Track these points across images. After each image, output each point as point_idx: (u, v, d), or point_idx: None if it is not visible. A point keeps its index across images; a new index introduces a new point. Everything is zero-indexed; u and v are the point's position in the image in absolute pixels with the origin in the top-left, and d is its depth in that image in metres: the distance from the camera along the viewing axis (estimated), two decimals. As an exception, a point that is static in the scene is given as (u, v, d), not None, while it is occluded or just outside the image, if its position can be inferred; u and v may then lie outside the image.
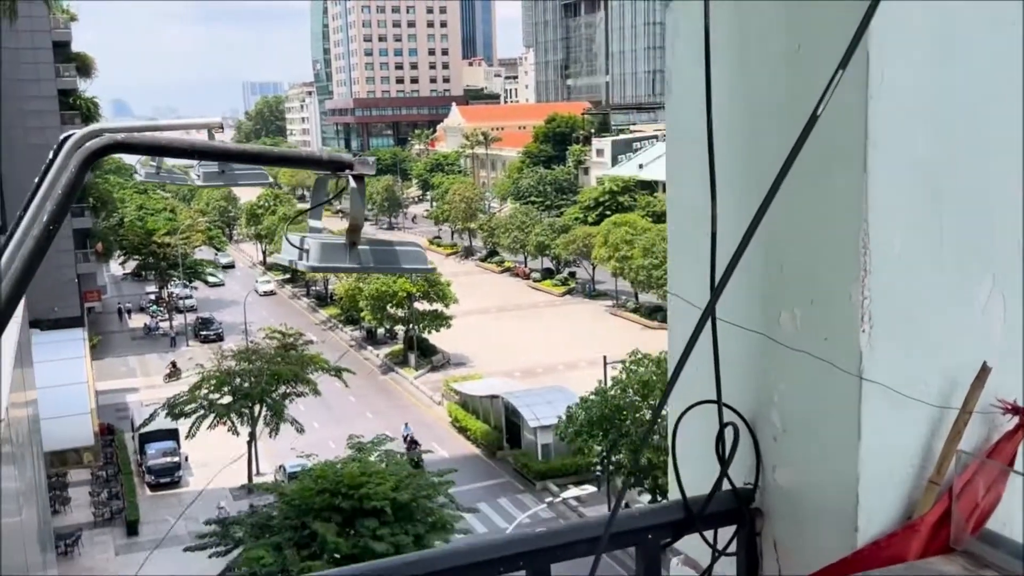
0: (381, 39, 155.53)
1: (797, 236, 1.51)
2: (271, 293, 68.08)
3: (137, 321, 60.41)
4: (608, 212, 65.80)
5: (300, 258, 1.99)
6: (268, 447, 34.46)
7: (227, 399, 32.28)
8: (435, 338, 49.19)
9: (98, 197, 51.39)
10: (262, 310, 60.54)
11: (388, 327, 51.51)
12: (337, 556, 18.52)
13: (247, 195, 79.16)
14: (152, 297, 63.92)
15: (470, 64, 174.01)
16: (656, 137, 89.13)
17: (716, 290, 1.40)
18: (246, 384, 32.43)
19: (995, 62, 1.43)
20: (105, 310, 60.97)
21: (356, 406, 40.90)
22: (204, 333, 55.11)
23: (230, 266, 79.45)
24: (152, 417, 32.76)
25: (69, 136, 3.96)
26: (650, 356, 28.94)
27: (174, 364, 46.68)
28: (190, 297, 61.79)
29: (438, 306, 47.64)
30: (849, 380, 1.41)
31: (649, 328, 53.62)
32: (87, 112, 46.96)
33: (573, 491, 27.92)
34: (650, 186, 74.90)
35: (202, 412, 31.94)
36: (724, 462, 1.56)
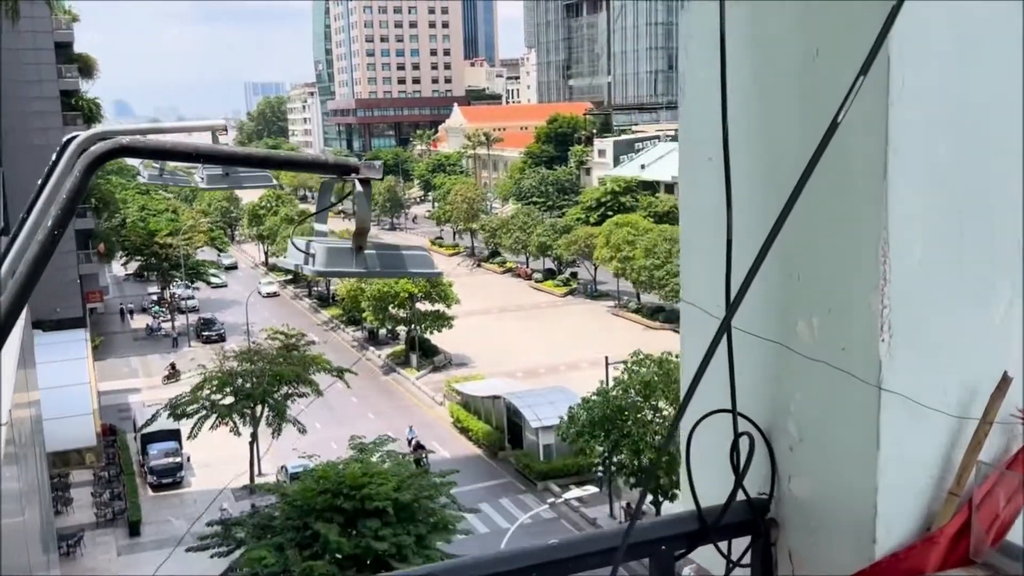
0: (383, 39, 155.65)
1: (814, 244, 1.49)
2: (274, 295, 68.02)
3: (139, 322, 60.47)
4: (610, 212, 65.81)
5: (306, 262, 1.98)
6: (270, 447, 34.46)
7: (229, 400, 32.29)
8: (437, 338, 49.21)
9: (100, 198, 51.47)
10: (264, 311, 60.58)
11: (390, 328, 51.53)
12: (339, 557, 18.53)
13: (249, 196, 79.18)
14: (154, 298, 63.99)
15: (472, 64, 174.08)
16: (658, 137, 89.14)
17: (735, 301, 1.38)
18: (248, 385, 32.45)
19: (1018, 66, 1.40)
20: (107, 311, 61.04)
21: (358, 407, 40.91)
22: (206, 334, 55.15)
23: (233, 267, 79.52)
24: (154, 418, 32.78)
25: (72, 138, 3.94)
26: (652, 357, 28.92)
27: (173, 366, 46.69)
28: (192, 298, 61.85)
29: (440, 307, 47.66)
30: (868, 390, 1.40)
31: (651, 328, 53.62)
32: (89, 113, 47.02)
33: (575, 492, 27.91)
34: (652, 186, 74.91)
35: (204, 413, 31.94)
36: (739, 472, 1.53)
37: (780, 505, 1.58)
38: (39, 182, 3.89)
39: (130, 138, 1.76)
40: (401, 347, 50.27)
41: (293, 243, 2.00)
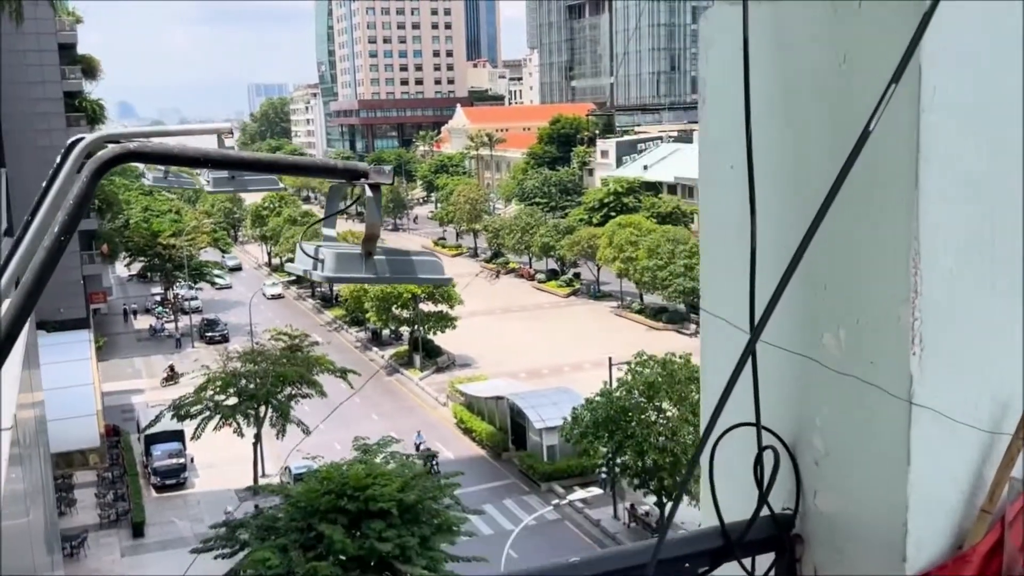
0: (386, 41, 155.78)
1: (842, 254, 1.46)
2: (279, 296, 67.98)
3: (143, 322, 60.57)
4: (613, 213, 65.82)
5: (315, 268, 1.95)
6: (273, 448, 34.48)
7: (233, 400, 32.30)
8: (440, 339, 49.23)
9: (104, 199, 51.52)
10: (268, 311, 60.64)
11: (393, 328, 51.56)
12: (343, 558, 18.51)
13: (252, 196, 79.27)
14: (158, 298, 64.10)
15: (474, 66, 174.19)
16: (661, 138, 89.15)
17: (764, 315, 1.34)
18: (251, 385, 32.46)
19: None
20: (111, 311, 61.14)
21: (361, 408, 40.88)
22: (209, 334, 55.21)
23: (237, 268, 79.62)
24: (158, 419, 32.80)
25: (76, 140, 3.93)
26: (655, 357, 28.89)
27: (172, 368, 46.71)
28: (195, 299, 61.94)
29: (443, 307, 47.67)
30: (898, 404, 1.37)
31: (654, 329, 53.60)
32: (93, 114, 47.10)
33: (579, 493, 27.88)
34: (655, 187, 74.90)
35: (208, 413, 31.95)
36: (764, 487, 1.50)
37: (805, 521, 1.55)
38: (43, 184, 3.87)
39: (138, 143, 1.74)
40: (404, 348, 50.30)
41: (302, 248, 1.98)
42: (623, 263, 55.16)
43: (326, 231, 2.13)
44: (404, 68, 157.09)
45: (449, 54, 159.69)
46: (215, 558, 20.37)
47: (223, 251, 75.22)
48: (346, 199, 2.19)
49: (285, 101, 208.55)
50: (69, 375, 27.79)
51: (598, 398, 28.79)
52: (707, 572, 1.49)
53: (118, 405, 41.59)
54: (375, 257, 1.91)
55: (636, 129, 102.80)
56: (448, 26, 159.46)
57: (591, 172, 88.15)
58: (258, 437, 33.09)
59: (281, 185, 3.55)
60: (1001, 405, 1.41)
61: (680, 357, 28.70)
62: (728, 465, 1.55)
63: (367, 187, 1.86)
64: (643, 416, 27.78)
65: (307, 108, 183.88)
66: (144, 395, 44.57)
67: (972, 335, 1.40)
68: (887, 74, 1.29)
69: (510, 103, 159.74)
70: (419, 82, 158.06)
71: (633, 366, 28.84)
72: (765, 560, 1.55)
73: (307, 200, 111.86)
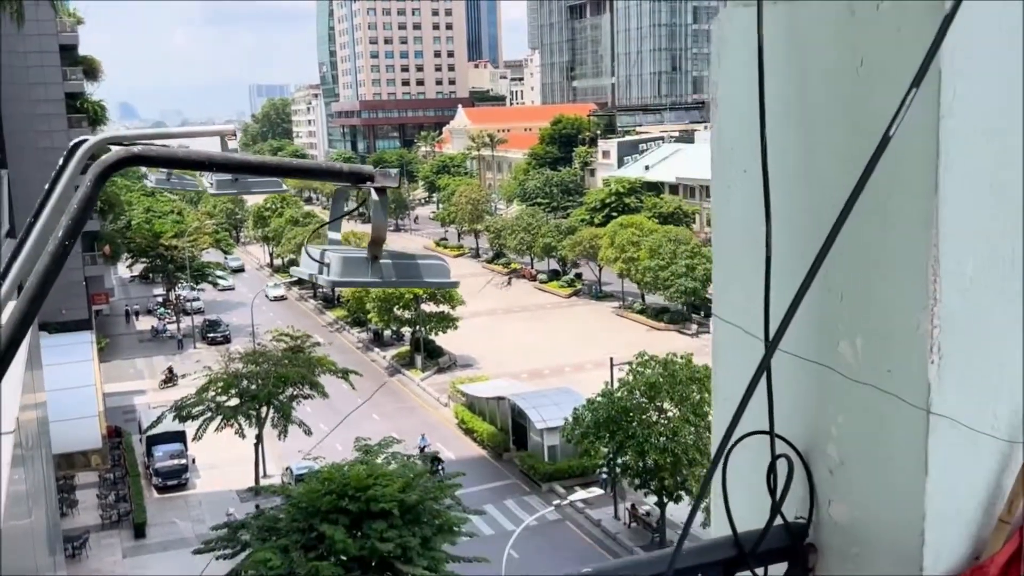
0: (387, 41, 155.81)
1: (859, 261, 1.44)
2: (281, 298, 67.91)
3: (144, 323, 60.61)
4: (614, 213, 65.82)
5: (320, 272, 1.94)
6: (275, 449, 34.49)
7: (234, 401, 32.30)
8: (442, 340, 49.23)
9: (106, 200, 51.48)
10: (269, 312, 60.67)
11: (395, 329, 51.58)
12: (344, 558, 18.51)
13: (254, 197, 79.31)
14: (159, 299, 64.15)
15: (476, 66, 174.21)
16: (662, 139, 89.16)
17: (782, 324, 1.33)
18: (253, 386, 32.45)
19: None
20: (113, 312, 61.18)
21: (363, 408, 40.89)
22: (211, 335, 55.24)
23: (239, 270, 79.66)
24: (159, 419, 32.80)
25: (79, 143, 3.91)
26: (657, 358, 28.87)
27: (170, 370, 46.71)
28: (197, 299, 61.96)
29: (445, 308, 47.67)
30: (916, 414, 1.35)
31: (655, 329, 53.60)
32: (94, 115, 47.10)
33: (580, 494, 27.87)
34: (656, 187, 74.90)
35: (209, 414, 31.95)
36: (777, 496, 1.49)
37: (819, 530, 1.53)
38: (46, 187, 3.85)
39: (142, 147, 1.73)
40: (406, 348, 50.31)
41: (307, 252, 1.97)
42: (625, 263, 55.15)
43: (331, 234, 2.11)
44: (405, 69, 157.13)
45: (450, 55, 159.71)
46: (216, 558, 20.37)
47: (225, 252, 75.26)
48: (348, 201, 2.17)
49: (286, 102, 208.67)
50: (71, 376, 27.81)
51: (599, 398, 28.77)
52: None
53: (120, 406, 41.61)
54: (381, 261, 1.90)
55: (637, 129, 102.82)
56: (449, 27, 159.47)
57: (592, 172, 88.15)
58: (259, 438, 33.09)
59: (284, 187, 3.54)
60: (1020, 414, 1.40)
61: (681, 357, 28.68)
62: (740, 474, 1.54)
63: (373, 190, 1.85)
64: (644, 416, 27.77)
65: (308, 109, 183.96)
66: (146, 396, 44.59)
67: (991, 343, 1.38)
68: (906, 78, 1.27)
69: (511, 103, 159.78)
70: (420, 83, 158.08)
71: (634, 366, 28.82)
72: (778, 570, 1.54)
73: (309, 201, 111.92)
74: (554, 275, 67.97)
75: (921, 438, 1.34)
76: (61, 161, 3.78)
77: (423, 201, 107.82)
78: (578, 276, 66.35)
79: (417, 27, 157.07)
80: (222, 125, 3.44)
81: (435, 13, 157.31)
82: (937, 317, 1.32)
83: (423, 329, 47.75)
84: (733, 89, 1.69)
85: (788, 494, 1.49)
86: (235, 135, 3.43)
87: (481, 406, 39.41)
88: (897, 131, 1.26)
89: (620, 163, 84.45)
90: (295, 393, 33.35)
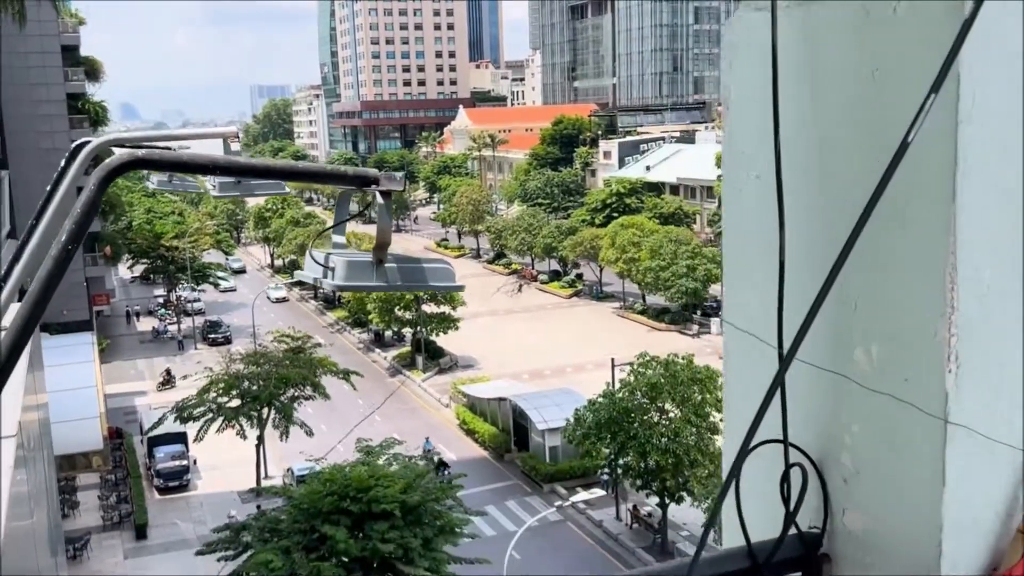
0: (388, 42, 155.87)
1: (875, 268, 1.42)
2: (283, 300, 67.89)
3: (145, 324, 60.63)
4: (615, 214, 65.81)
5: (325, 276, 1.93)
6: (276, 450, 34.48)
7: (235, 402, 32.29)
8: (443, 340, 49.22)
9: (107, 200, 51.47)
10: (270, 313, 60.68)
11: (396, 329, 51.57)
12: (346, 559, 18.49)
13: (255, 198, 79.35)
14: (160, 300, 64.17)
15: (477, 67, 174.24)
16: (663, 139, 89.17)
17: (800, 332, 1.31)
18: (254, 387, 32.44)
19: None
20: (114, 313, 61.21)
21: (364, 409, 40.88)
22: (212, 336, 55.24)
23: (241, 271, 79.68)
24: (161, 421, 32.80)
25: (82, 144, 3.90)
26: (658, 358, 28.84)
27: (168, 372, 46.71)
28: (198, 300, 61.97)
29: (446, 308, 47.67)
30: (932, 423, 1.33)
31: (656, 330, 53.58)
32: (96, 116, 47.14)
33: (582, 495, 27.87)
34: (657, 188, 74.90)
35: (210, 415, 31.94)
36: (792, 506, 1.47)
37: (833, 540, 1.52)
38: (48, 188, 3.84)
39: (146, 151, 1.72)
40: (407, 349, 50.30)
41: (312, 256, 1.96)
42: (625, 264, 55.13)
43: (336, 238, 2.10)
44: (407, 69, 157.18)
45: (452, 55, 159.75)
46: (218, 560, 20.36)
47: (226, 253, 75.29)
48: (346, 202, 2.16)
49: (288, 102, 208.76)
50: (72, 377, 27.81)
51: (600, 399, 28.75)
52: None
53: (121, 407, 41.62)
54: (386, 265, 1.89)
55: (638, 130, 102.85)
56: (451, 27, 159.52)
57: (593, 173, 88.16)
58: (261, 439, 33.08)
59: (287, 189, 3.53)
60: None
61: (682, 358, 28.65)
62: (754, 482, 1.52)
63: (378, 194, 1.84)
64: (645, 417, 27.74)
65: (310, 109, 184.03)
66: (147, 397, 44.59)
67: (1010, 352, 1.36)
68: (923, 82, 1.25)
69: (512, 104, 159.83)
70: (421, 83, 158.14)
71: (635, 367, 28.79)
72: None
73: (309, 202, 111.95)
74: (555, 276, 67.96)
75: (939, 448, 1.32)
76: (63, 163, 3.77)
77: (424, 202, 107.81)
78: (579, 277, 66.33)
79: (418, 27, 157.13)
80: (225, 127, 3.43)
81: (436, 13, 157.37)
82: (955, 325, 1.31)
83: (424, 330, 47.74)
84: (745, 94, 1.68)
85: (802, 504, 1.48)
86: (238, 137, 3.42)
87: (482, 407, 39.40)
88: (915, 138, 1.24)
89: (621, 163, 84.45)
90: (296, 394, 33.35)
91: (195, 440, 32.33)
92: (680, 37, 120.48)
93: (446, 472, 30.57)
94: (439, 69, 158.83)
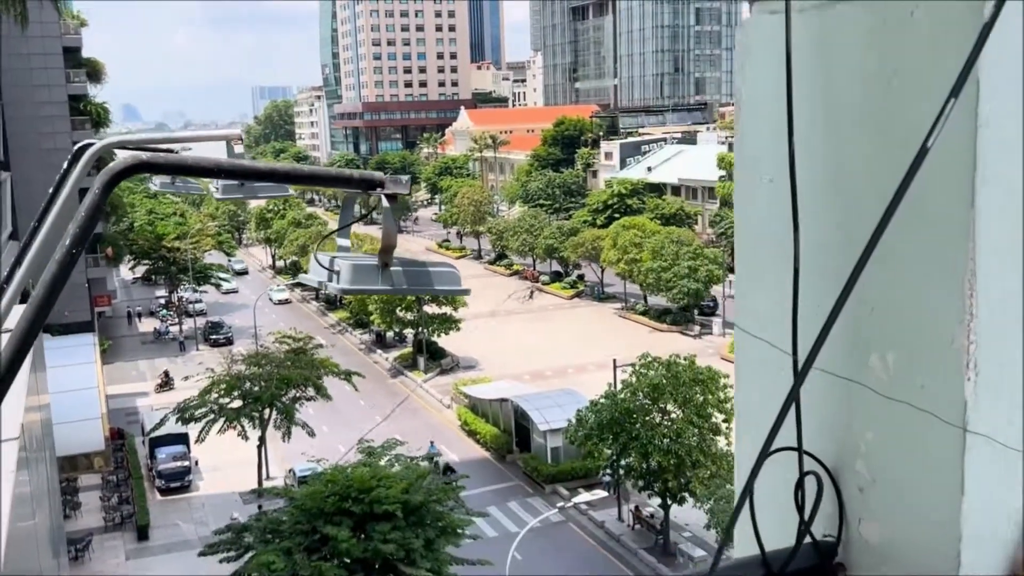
0: (390, 43, 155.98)
1: (892, 274, 1.40)
2: (286, 301, 67.91)
3: (147, 325, 60.68)
4: (617, 215, 65.80)
5: (330, 279, 1.92)
6: (277, 451, 34.48)
7: (237, 403, 32.30)
8: (444, 341, 49.22)
9: (108, 202, 51.40)
10: (272, 314, 60.71)
11: (397, 330, 51.58)
12: (347, 560, 18.49)
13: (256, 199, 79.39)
14: (162, 301, 64.20)
15: (478, 68, 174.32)
16: (664, 140, 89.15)
17: (818, 339, 1.30)
18: (256, 388, 32.45)
19: None
20: (115, 314, 61.25)
21: (365, 410, 40.90)
22: (214, 337, 55.27)
23: (243, 272, 79.69)
24: (162, 422, 32.82)
25: (84, 146, 3.89)
26: (659, 359, 28.82)
27: (166, 373, 46.73)
28: (199, 301, 62.01)
29: (447, 309, 47.66)
30: (951, 432, 1.31)
31: (658, 331, 53.55)
32: (97, 117, 47.19)
33: (583, 496, 27.84)
34: (658, 189, 74.89)
35: (212, 416, 31.95)
36: (806, 515, 1.45)
37: (848, 549, 1.49)
38: (50, 190, 3.83)
39: (150, 154, 1.71)
40: (408, 350, 50.29)
41: (316, 259, 1.95)
42: (627, 265, 55.11)
43: (340, 241, 2.09)
44: (408, 70, 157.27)
45: (453, 56, 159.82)
46: (220, 561, 20.36)
47: (228, 254, 75.31)
48: (351, 205, 2.15)
49: (289, 103, 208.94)
50: (74, 378, 27.83)
51: (602, 400, 28.74)
52: None
53: (122, 408, 41.65)
54: (392, 268, 1.88)
55: (640, 131, 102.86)
56: (452, 28, 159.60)
57: (595, 174, 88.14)
58: (262, 440, 33.08)
59: (290, 191, 3.52)
60: None
61: (684, 359, 28.63)
62: (767, 491, 1.50)
63: (383, 197, 1.84)
64: (647, 418, 27.72)
65: (311, 110, 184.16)
66: (148, 398, 44.63)
67: None
68: (941, 87, 1.23)
69: (514, 105, 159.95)
70: (423, 84, 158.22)
71: (637, 368, 28.78)
72: None
73: (311, 203, 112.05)
74: (556, 276, 67.95)
75: (957, 457, 1.30)
76: (65, 165, 3.77)
77: (425, 203, 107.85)
78: (580, 278, 66.32)
79: (420, 29, 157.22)
80: (228, 129, 3.43)
81: (438, 15, 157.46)
82: (973, 332, 1.28)
83: (425, 331, 47.75)
84: (757, 97, 1.66)
85: (817, 512, 1.46)
86: (241, 139, 3.42)
87: (484, 408, 39.39)
88: (935, 143, 1.23)
89: (622, 164, 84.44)
90: (298, 395, 33.36)
91: (197, 441, 32.34)
92: (681, 38, 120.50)
93: (453, 476, 30.42)
94: (440, 70, 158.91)
